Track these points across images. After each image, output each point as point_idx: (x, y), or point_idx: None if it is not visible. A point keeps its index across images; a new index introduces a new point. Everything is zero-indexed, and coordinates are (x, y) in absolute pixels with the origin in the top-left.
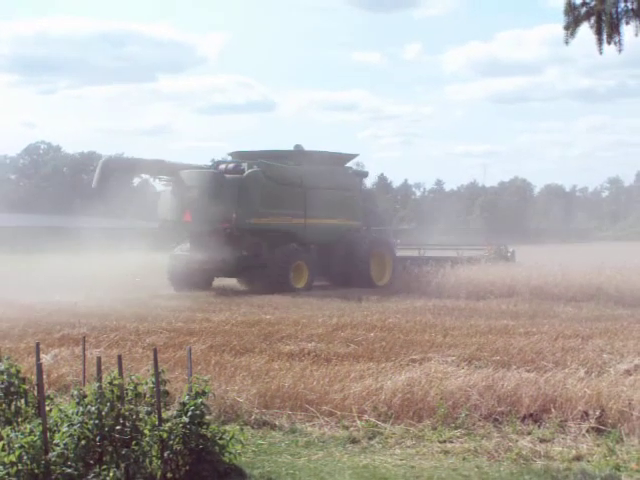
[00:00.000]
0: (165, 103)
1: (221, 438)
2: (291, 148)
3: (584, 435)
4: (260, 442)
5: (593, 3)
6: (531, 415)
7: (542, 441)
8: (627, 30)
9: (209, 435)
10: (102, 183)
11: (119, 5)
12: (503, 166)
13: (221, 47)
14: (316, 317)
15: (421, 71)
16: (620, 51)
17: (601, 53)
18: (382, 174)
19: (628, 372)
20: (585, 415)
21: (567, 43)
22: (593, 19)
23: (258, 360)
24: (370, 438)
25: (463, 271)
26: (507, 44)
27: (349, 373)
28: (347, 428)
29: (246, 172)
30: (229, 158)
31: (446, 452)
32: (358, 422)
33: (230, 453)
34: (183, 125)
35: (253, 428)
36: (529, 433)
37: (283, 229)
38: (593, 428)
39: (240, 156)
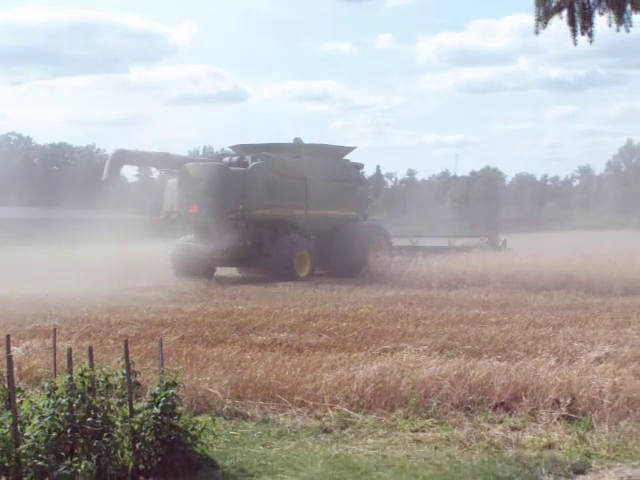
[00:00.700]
0: (136, 94)
1: (193, 429)
2: (275, 139)
3: (555, 423)
4: (232, 433)
5: None
6: (502, 404)
7: (513, 429)
8: (600, 20)
9: (181, 426)
10: (112, 175)
11: None
12: (475, 156)
13: (192, 37)
14: (288, 307)
15: (393, 61)
16: (591, 42)
17: (575, 44)
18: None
19: (598, 360)
20: (556, 403)
21: (537, 33)
22: (565, 10)
23: (230, 351)
24: (342, 428)
25: (435, 261)
26: (478, 34)
27: (321, 363)
28: (319, 418)
29: (250, 165)
30: (229, 150)
31: (418, 441)
32: (330, 412)
33: (202, 444)
34: (154, 116)
35: (225, 419)
36: (501, 422)
37: (286, 220)
38: (564, 416)
39: (241, 149)
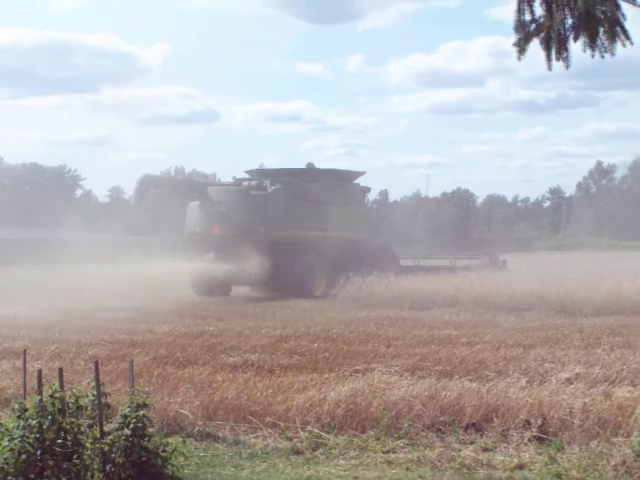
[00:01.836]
0: (108, 114)
1: (164, 450)
2: (302, 166)
3: (526, 444)
4: (203, 454)
5: (542, 20)
6: (474, 424)
7: (485, 450)
8: (574, 45)
9: (151, 447)
10: (139, 198)
11: (62, 16)
12: (446, 177)
13: (164, 58)
14: (259, 328)
15: (364, 82)
16: (568, 67)
17: (550, 69)
18: None
19: (569, 381)
20: (527, 424)
21: (519, 60)
22: (542, 35)
23: (201, 372)
24: (314, 449)
25: (406, 281)
26: (449, 56)
27: (292, 384)
28: (290, 439)
29: (270, 189)
30: (246, 175)
31: (389, 462)
32: (301, 433)
33: (173, 465)
34: (126, 136)
35: (196, 440)
36: (472, 442)
37: (302, 241)
38: (535, 437)
39: (257, 174)
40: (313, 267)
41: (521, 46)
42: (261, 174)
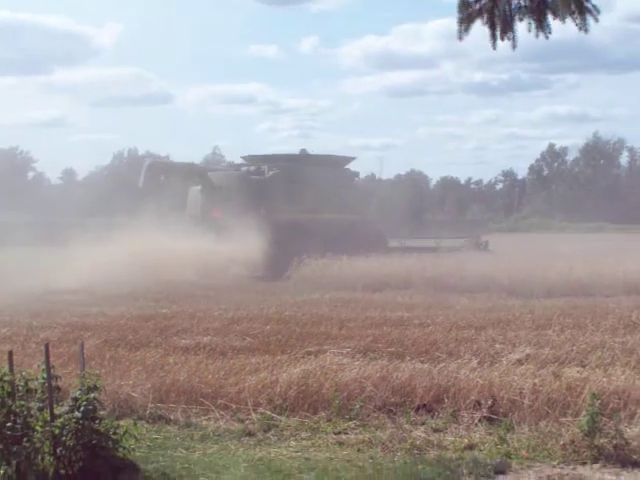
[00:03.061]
0: (60, 95)
1: (115, 433)
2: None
3: (476, 424)
4: (155, 436)
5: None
6: (425, 405)
7: (435, 431)
8: (521, 26)
9: (102, 430)
10: (147, 183)
11: None
12: (400, 159)
13: (117, 39)
14: (212, 311)
15: (318, 64)
16: (514, 47)
17: (494, 48)
18: None
19: (519, 362)
20: (477, 405)
21: (460, 39)
22: (486, 16)
23: (153, 354)
24: (265, 431)
25: (359, 263)
26: (403, 38)
27: (244, 366)
28: (242, 421)
29: (268, 174)
30: (241, 161)
31: (341, 443)
32: (253, 415)
33: (124, 448)
34: (79, 118)
35: (148, 422)
36: (423, 423)
37: (297, 223)
38: (485, 417)
39: (253, 159)
40: (308, 248)
41: (464, 26)
42: (258, 160)
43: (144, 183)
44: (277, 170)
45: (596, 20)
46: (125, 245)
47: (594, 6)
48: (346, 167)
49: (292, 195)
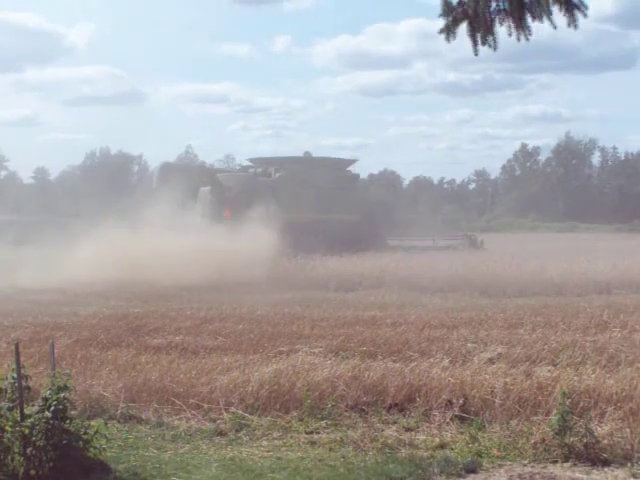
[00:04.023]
0: (31, 94)
1: (85, 433)
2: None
3: (448, 423)
4: (126, 436)
5: (467, 4)
6: (396, 404)
7: (407, 430)
8: (501, 29)
9: (73, 430)
10: (160, 184)
11: None
12: (373, 159)
13: (89, 37)
14: (184, 310)
15: (291, 64)
16: (495, 49)
17: (476, 54)
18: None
19: (491, 361)
20: (449, 404)
21: (448, 41)
22: (468, 21)
23: (125, 354)
24: (237, 430)
25: (332, 263)
26: (376, 38)
27: (216, 366)
28: (214, 421)
29: (275, 175)
30: (247, 163)
31: (313, 443)
32: (225, 415)
33: (95, 448)
34: (51, 117)
35: (119, 422)
36: (394, 422)
37: (302, 222)
38: (457, 416)
39: (259, 161)
40: (312, 247)
41: (450, 30)
42: (264, 162)
43: (157, 184)
44: (283, 172)
45: (585, 15)
46: (99, 244)
47: (581, 1)
48: (348, 169)
49: (298, 196)
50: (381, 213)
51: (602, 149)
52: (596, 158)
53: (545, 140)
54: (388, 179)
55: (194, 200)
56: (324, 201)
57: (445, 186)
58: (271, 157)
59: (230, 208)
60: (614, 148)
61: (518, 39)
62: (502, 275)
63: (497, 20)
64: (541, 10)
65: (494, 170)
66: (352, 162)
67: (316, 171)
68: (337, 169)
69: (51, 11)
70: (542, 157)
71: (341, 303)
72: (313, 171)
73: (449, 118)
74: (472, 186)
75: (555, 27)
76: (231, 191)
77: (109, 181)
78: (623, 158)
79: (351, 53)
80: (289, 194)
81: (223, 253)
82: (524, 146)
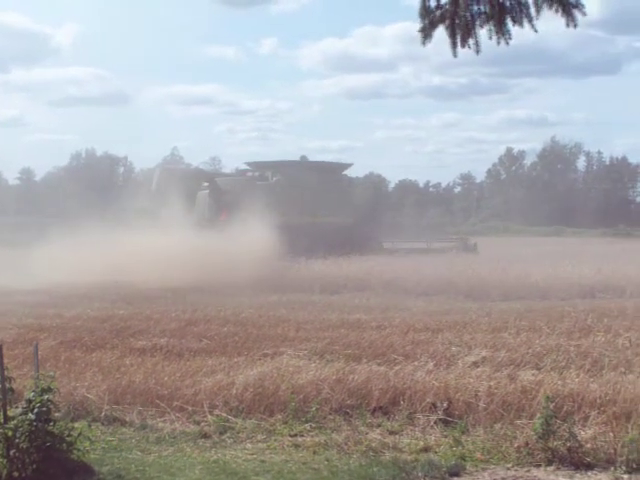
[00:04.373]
0: (18, 95)
1: (69, 435)
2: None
3: (432, 427)
4: (110, 439)
5: (447, 6)
6: (381, 408)
7: (391, 433)
8: (482, 32)
9: (56, 432)
10: (160, 188)
11: None
12: (359, 162)
13: (75, 38)
14: (169, 312)
15: (278, 66)
16: (478, 52)
17: (455, 56)
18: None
19: (475, 364)
20: (433, 407)
21: (424, 44)
22: (448, 22)
23: (109, 356)
24: (221, 433)
25: (317, 266)
26: (362, 41)
27: (201, 368)
28: (198, 423)
29: (272, 179)
30: (244, 167)
31: (297, 446)
32: (209, 417)
33: (78, 450)
34: (36, 117)
35: (103, 424)
36: (379, 425)
37: (299, 225)
38: (441, 420)
39: (257, 165)
40: (309, 249)
41: (426, 32)
42: (261, 166)
43: (156, 188)
44: (280, 176)
45: (583, 14)
46: (84, 246)
47: (578, 1)
48: (343, 173)
49: (294, 199)
50: (376, 216)
51: (587, 153)
52: (581, 162)
53: (531, 144)
54: (373, 182)
55: (193, 203)
56: (320, 204)
57: (431, 189)
58: (268, 161)
59: (227, 211)
60: (599, 153)
61: (498, 43)
62: (487, 279)
63: (478, 23)
64: (522, 15)
65: (480, 174)
66: (348, 166)
67: (313, 175)
68: (333, 173)
69: (37, 12)
70: (527, 161)
71: (326, 306)
72: (310, 175)
73: (435, 122)
74: (457, 190)
75: (536, 31)
76: (229, 195)
77: (94, 182)
78: (608, 163)
79: (338, 56)
80: (286, 197)
81: (211, 255)
82: (510, 150)
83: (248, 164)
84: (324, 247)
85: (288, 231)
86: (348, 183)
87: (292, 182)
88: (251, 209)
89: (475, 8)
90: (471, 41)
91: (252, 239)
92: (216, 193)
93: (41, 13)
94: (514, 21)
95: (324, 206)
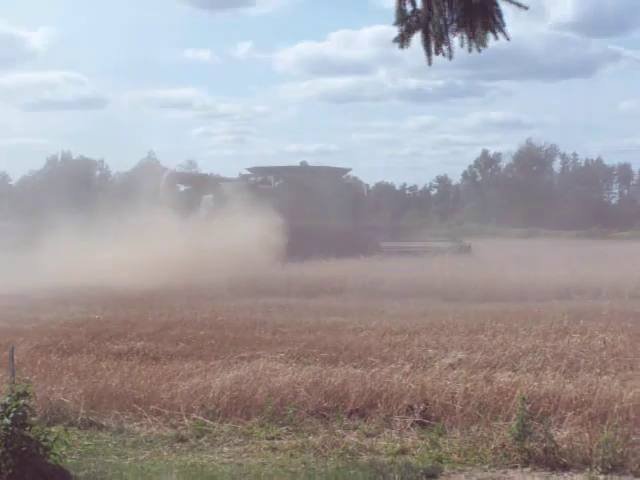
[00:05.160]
0: None
1: (45, 439)
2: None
3: (409, 429)
4: (87, 443)
5: (421, 13)
6: (357, 410)
7: (368, 436)
8: (455, 40)
9: (33, 437)
10: (166, 191)
11: None
12: (335, 165)
13: (50, 42)
14: (146, 316)
15: (253, 69)
16: (451, 58)
17: (430, 64)
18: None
19: (452, 366)
20: (410, 409)
21: (402, 48)
22: (421, 30)
23: (86, 360)
24: (198, 437)
25: (295, 268)
26: (338, 44)
27: (177, 372)
28: (175, 427)
29: (275, 184)
30: (246, 172)
31: (274, 449)
32: (186, 421)
33: (55, 455)
34: (11, 121)
35: (80, 429)
36: (355, 428)
37: (301, 228)
38: (418, 422)
39: (259, 170)
40: (311, 251)
41: (403, 39)
42: (263, 171)
43: (163, 192)
44: (282, 181)
45: (507, 38)
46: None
47: (497, 23)
48: (342, 177)
49: (296, 203)
50: (373, 218)
51: (563, 155)
52: (557, 164)
53: (506, 146)
54: (350, 185)
55: (197, 207)
56: (320, 208)
57: (407, 192)
58: (270, 166)
59: (231, 214)
60: (574, 155)
61: (470, 50)
62: (464, 280)
63: (450, 31)
64: (493, 23)
65: (456, 176)
66: (347, 171)
67: (313, 180)
68: (332, 177)
69: (12, 15)
70: (503, 163)
71: (303, 309)
72: (310, 180)
73: (411, 124)
74: (434, 192)
75: (508, 39)
76: (233, 199)
77: (71, 186)
78: (583, 165)
79: (314, 59)
80: (288, 201)
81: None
82: (485, 152)
83: (250, 169)
84: (324, 249)
85: (290, 233)
86: (347, 186)
87: (293, 186)
88: (254, 213)
89: (448, 15)
90: (444, 47)
91: (238, 242)
92: (221, 198)
93: (16, 16)
94: (485, 29)
95: (325, 209)
